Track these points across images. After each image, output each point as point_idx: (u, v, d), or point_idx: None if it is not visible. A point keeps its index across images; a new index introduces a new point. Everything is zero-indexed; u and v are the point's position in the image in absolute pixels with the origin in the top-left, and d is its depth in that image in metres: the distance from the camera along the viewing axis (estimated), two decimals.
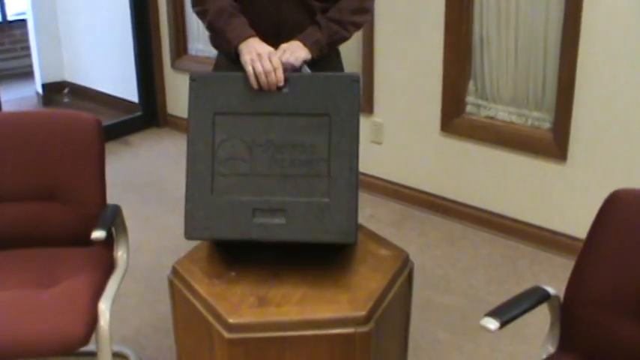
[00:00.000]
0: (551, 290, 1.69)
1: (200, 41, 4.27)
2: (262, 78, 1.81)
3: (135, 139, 4.37)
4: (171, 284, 1.90)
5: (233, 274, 1.83)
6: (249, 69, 1.82)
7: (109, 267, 2.07)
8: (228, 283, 1.79)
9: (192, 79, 1.86)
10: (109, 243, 2.09)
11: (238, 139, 1.83)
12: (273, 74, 1.81)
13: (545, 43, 2.92)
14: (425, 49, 3.25)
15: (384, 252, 1.95)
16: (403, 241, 3.17)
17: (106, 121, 4.38)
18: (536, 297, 1.64)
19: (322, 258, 1.89)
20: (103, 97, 4.89)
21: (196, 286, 1.79)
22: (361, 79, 1.90)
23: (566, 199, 3.00)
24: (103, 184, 2.09)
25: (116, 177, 3.83)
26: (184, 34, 4.36)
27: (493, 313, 1.55)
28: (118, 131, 4.33)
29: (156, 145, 4.28)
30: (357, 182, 1.79)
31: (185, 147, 1.82)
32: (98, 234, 1.89)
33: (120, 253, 2.10)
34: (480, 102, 3.21)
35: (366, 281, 1.81)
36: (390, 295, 1.82)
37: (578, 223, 2.99)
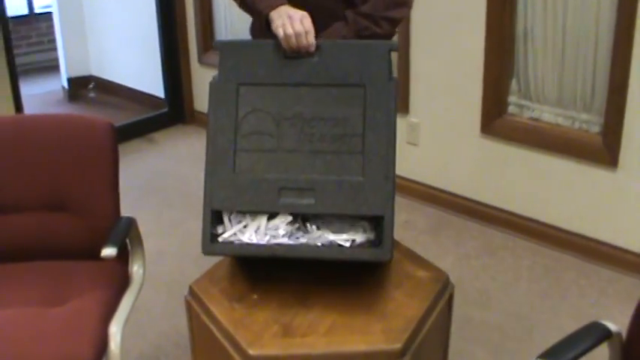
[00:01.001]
0: (612, 327, 1.49)
1: (228, 34, 4.11)
2: (292, 40, 1.65)
3: (160, 136, 4.22)
4: (188, 306, 1.74)
5: (255, 297, 1.67)
6: (279, 32, 1.66)
7: (123, 283, 1.91)
8: (250, 308, 1.63)
9: (216, 46, 1.73)
10: (123, 256, 1.94)
11: (264, 112, 1.67)
12: (304, 37, 1.65)
13: (595, 38, 2.70)
14: (464, 45, 3.04)
15: (421, 273, 1.77)
16: (440, 250, 3.01)
17: (131, 117, 4.26)
18: (595, 335, 1.44)
19: (353, 280, 1.72)
20: (128, 92, 4.76)
21: (215, 311, 1.63)
22: (396, 76, 1.71)
23: (616, 208, 2.79)
24: (117, 194, 1.93)
25: (139, 177, 3.69)
26: (211, 27, 4.20)
27: (547, 355, 1.36)
28: (143, 128, 4.19)
29: (181, 144, 4.13)
30: (394, 160, 1.62)
31: None
32: (109, 251, 1.73)
33: (135, 268, 1.95)
34: (524, 102, 3.00)
35: (402, 308, 1.63)
36: (429, 324, 1.64)
37: (628, 234, 2.78)
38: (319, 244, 1.63)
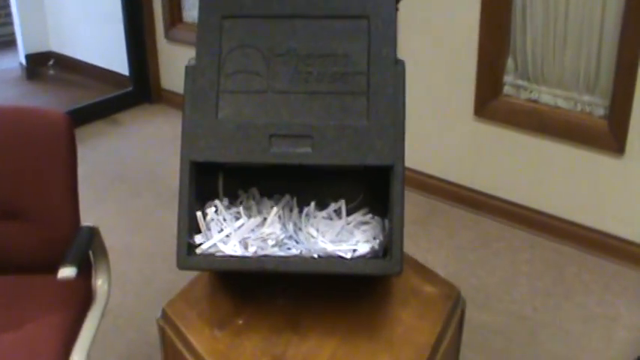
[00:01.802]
0: None
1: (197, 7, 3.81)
2: None
3: (125, 117, 3.93)
4: (161, 332, 1.50)
5: (240, 322, 1.43)
6: None
7: (86, 301, 1.67)
8: (235, 337, 1.39)
9: None
10: (85, 270, 1.68)
11: (252, 48, 1.44)
12: None
13: (602, 13, 2.48)
14: (457, 19, 2.80)
15: (429, 289, 1.55)
16: (431, 243, 2.79)
17: (94, 97, 3.96)
18: None
19: (351, 296, 1.49)
20: (90, 69, 4.44)
21: (193, 340, 1.39)
22: None
23: (621, 198, 2.59)
24: (75, 199, 1.67)
25: (102, 163, 3.41)
26: (179, 0, 3.91)
27: None
28: (106, 108, 3.90)
29: (148, 125, 3.84)
30: (404, 102, 1.41)
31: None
32: (67, 272, 1.48)
33: (99, 283, 1.70)
34: (521, 82, 2.78)
35: (412, 333, 1.41)
36: (441, 352, 1.42)
37: (634, 225, 2.59)
38: (315, 255, 1.40)
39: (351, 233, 1.47)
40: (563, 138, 2.67)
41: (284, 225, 1.45)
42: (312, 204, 1.54)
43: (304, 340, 1.38)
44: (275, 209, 1.47)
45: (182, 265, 1.36)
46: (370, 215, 1.53)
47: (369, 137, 1.38)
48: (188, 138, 1.41)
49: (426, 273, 1.60)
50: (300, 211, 1.53)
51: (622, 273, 2.59)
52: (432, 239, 2.79)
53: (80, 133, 3.94)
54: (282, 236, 1.42)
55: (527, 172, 2.81)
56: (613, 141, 2.54)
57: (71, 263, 1.48)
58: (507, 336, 2.28)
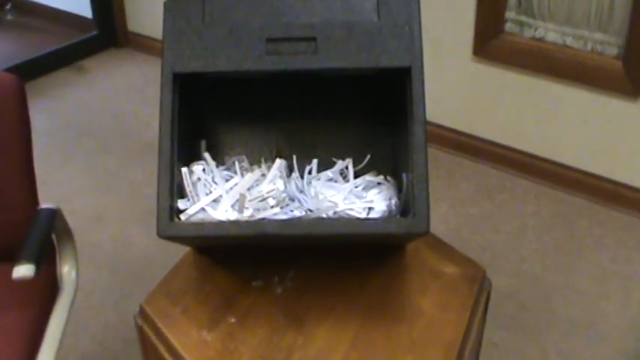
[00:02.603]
0: None
1: None
2: None
3: (90, 63, 3.62)
4: (140, 333, 1.28)
5: (233, 320, 1.22)
6: None
7: (51, 292, 1.44)
8: (228, 340, 1.18)
9: None
10: (49, 257, 1.45)
11: None
12: None
13: None
14: None
15: (451, 270, 1.34)
16: (430, 196, 2.57)
17: (56, 43, 3.64)
18: None
19: (360, 280, 1.28)
20: (51, 12, 4.09)
21: (178, 346, 1.18)
22: None
23: (635, 144, 2.39)
24: (31, 176, 1.42)
25: (67, 116, 3.13)
26: None
27: None
28: (70, 55, 3.58)
29: (116, 72, 3.54)
30: None
31: (154, 71, 1.20)
32: (23, 271, 1.24)
33: (65, 270, 1.47)
34: (524, 19, 2.52)
35: (435, 328, 1.20)
36: (468, 349, 1.22)
37: None
38: (323, 215, 1.19)
39: (359, 196, 1.26)
40: (571, 80, 2.44)
41: (285, 184, 1.23)
42: (315, 162, 1.32)
43: (310, 340, 1.18)
44: (278, 162, 1.24)
45: (163, 233, 1.13)
46: (382, 176, 1.32)
47: (381, 36, 1.19)
48: (170, 46, 1.18)
49: (444, 250, 1.39)
50: (301, 174, 1.32)
51: (636, 225, 2.41)
52: (430, 192, 2.57)
53: (42, 83, 3.66)
54: (284, 195, 1.19)
55: (531, 117, 2.59)
56: (627, 83, 2.32)
57: (28, 259, 1.24)
58: (518, 300, 2.10)
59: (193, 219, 1.17)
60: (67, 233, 1.47)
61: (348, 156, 1.34)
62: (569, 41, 2.45)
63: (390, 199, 1.24)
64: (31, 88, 3.18)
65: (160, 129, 1.17)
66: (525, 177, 2.64)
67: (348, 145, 1.35)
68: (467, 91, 2.71)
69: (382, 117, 1.37)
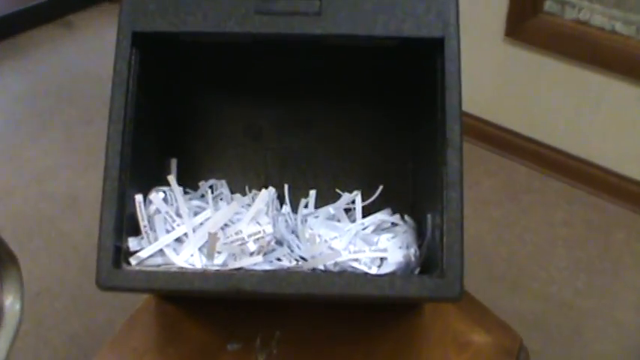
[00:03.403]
0: None
1: None
2: None
3: (80, 19, 3.30)
4: None
5: None
6: None
7: None
8: None
9: None
10: None
11: None
12: None
13: None
14: None
15: (480, 339, 1.05)
16: None
17: None
18: None
19: (372, 353, 1.00)
20: None
21: None
22: None
23: None
24: None
25: (50, 78, 2.82)
26: None
27: None
28: (58, 8, 3.26)
29: (107, 30, 3.21)
30: None
31: None
32: None
33: (9, 302, 1.18)
34: None
35: None
36: None
37: None
38: (321, 267, 0.90)
39: (368, 241, 0.97)
40: (617, 72, 2.13)
41: (274, 223, 0.95)
42: (313, 193, 1.04)
43: None
44: (265, 192, 0.95)
45: (105, 283, 0.85)
46: (397, 215, 1.03)
47: None
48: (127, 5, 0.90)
49: (473, 309, 1.10)
50: (294, 209, 1.04)
51: None
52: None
53: (23, 40, 3.32)
54: (268, 238, 0.90)
55: (568, 110, 2.28)
56: None
57: None
58: (546, 331, 1.82)
59: (148, 263, 0.89)
60: (9, 257, 1.19)
61: (356, 187, 1.05)
62: (618, 27, 2.12)
63: (407, 247, 0.95)
64: (8, 46, 2.87)
65: (109, 130, 0.88)
66: (557, 177, 2.34)
67: (355, 173, 1.07)
68: (496, 76, 2.39)
69: (400, 133, 1.07)
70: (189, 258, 0.89)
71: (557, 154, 2.35)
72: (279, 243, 0.93)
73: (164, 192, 0.95)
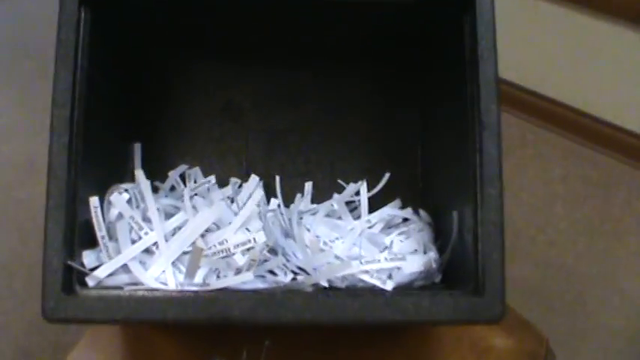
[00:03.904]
0: None
1: None
2: None
3: None
4: None
5: None
6: None
7: None
8: None
9: None
10: None
11: None
12: None
13: None
14: None
15: (503, 342, 0.92)
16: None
17: None
18: None
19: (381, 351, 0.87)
20: None
21: None
22: None
23: None
24: None
25: (7, 24, 2.59)
26: None
27: None
28: None
29: None
30: None
31: None
32: None
33: None
34: None
35: None
36: None
37: None
38: (324, 283, 0.74)
39: (376, 242, 0.82)
40: (619, 18, 1.97)
41: (268, 230, 0.79)
42: (308, 186, 0.88)
43: None
44: (259, 192, 0.78)
45: (52, 314, 0.69)
46: (409, 209, 0.88)
47: None
48: None
49: None
50: (286, 202, 0.88)
51: None
52: None
53: None
54: (259, 248, 0.74)
55: (563, 57, 2.12)
56: None
57: None
58: (547, 301, 1.71)
59: (109, 283, 0.73)
60: None
61: (355, 174, 0.89)
62: None
63: (425, 250, 0.80)
64: None
65: (52, 117, 0.71)
66: (551, 129, 2.20)
67: (354, 157, 0.91)
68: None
69: (408, 109, 0.91)
70: (160, 275, 0.73)
71: (551, 104, 2.19)
72: (272, 250, 0.77)
73: (127, 191, 0.78)
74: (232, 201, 0.87)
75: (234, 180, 0.90)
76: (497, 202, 0.70)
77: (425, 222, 0.84)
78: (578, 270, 1.79)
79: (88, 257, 0.73)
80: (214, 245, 0.73)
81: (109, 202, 0.75)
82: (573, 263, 1.81)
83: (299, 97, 0.91)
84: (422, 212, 0.86)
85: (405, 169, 0.90)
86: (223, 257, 0.72)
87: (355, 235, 0.82)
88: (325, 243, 0.81)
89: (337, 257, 0.75)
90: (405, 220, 0.85)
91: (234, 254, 0.72)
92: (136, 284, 0.72)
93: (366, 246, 0.81)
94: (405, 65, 0.91)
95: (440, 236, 0.82)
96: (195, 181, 0.90)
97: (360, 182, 0.86)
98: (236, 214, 0.75)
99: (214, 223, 0.76)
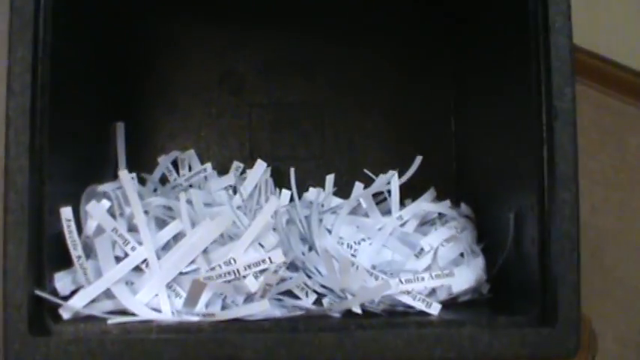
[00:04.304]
0: None
1: None
2: None
3: None
4: None
5: None
6: None
7: None
8: None
9: None
10: None
11: None
12: None
13: None
14: None
15: None
16: None
17: None
18: None
19: None
20: None
21: None
22: None
23: None
24: None
25: None
26: None
27: None
28: None
29: None
30: None
31: None
32: None
33: None
34: None
35: None
36: None
37: None
38: (355, 309, 0.59)
39: (410, 244, 0.68)
40: None
41: (287, 239, 0.64)
42: (330, 179, 0.73)
43: None
44: (274, 202, 0.62)
45: (17, 357, 0.55)
46: (447, 202, 0.73)
47: None
48: None
49: None
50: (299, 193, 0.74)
51: None
52: None
53: None
54: (275, 269, 0.59)
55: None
56: None
57: None
58: None
59: (88, 313, 0.58)
60: None
61: (379, 157, 0.75)
62: None
63: (471, 253, 0.66)
64: None
65: (7, 108, 0.56)
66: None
67: (377, 137, 0.77)
68: None
69: (440, 79, 0.77)
70: (151, 299, 0.59)
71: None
72: (291, 264, 0.63)
73: (107, 195, 0.63)
74: (234, 191, 0.73)
75: (236, 164, 0.76)
76: (572, 210, 0.57)
77: (465, 214, 0.71)
78: (593, 223, 1.68)
79: (61, 281, 0.58)
80: (219, 266, 0.59)
81: (86, 213, 0.61)
82: (589, 216, 1.69)
83: (312, 65, 0.76)
84: (463, 206, 0.72)
85: (436, 150, 0.76)
86: (230, 280, 0.58)
87: (385, 236, 0.68)
88: (350, 246, 0.67)
89: (371, 273, 0.61)
90: (441, 216, 0.71)
91: (244, 277, 0.58)
92: (122, 312, 0.58)
93: (399, 248, 0.68)
94: (439, 28, 0.76)
95: (484, 236, 0.69)
96: (190, 168, 0.75)
97: (390, 172, 0.72)
98: (244, 226, 0.61)
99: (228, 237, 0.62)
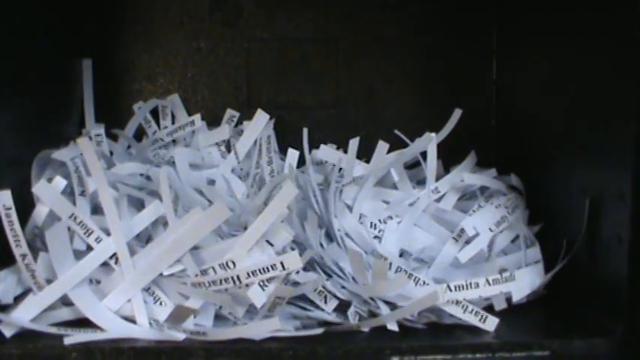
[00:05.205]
0: None
1: None
2: None
3: None
4: None
5: None
6: None
7: None
8: None
9: None
10: None
11: None
12: None
13: None
14: None
15: None
16: None
17: None
18: None
19: None
20: None
21: None
22: None
23: None
24: None
25: None
26: None
27: None
28: None
29: None
30: None
31: None
32: None
33: None
34: None
35: None
36: None
37: None
38: (393, 326, 0.46)
39: (448, 223, 0.56)
40: None
41: (301, 225, 0.51)
42: (354, 144, 0.58)
43: None
44: (291, 189, 0.45)
45: None
46: (492, 171, 0.60)
47: None
48: None
49: None
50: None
51: None
52: None
53: None
54: (288, 274, 0.45)
55: None
56: None
57: None
58: None
59: (38, 327, 0.44)
60: None
61: (410, 109, 0.60)
62: None
63: (525, 240, 0.53)
64: None
65: None
66: None
67: (403, 88, 0.62)
68: None
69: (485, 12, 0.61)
70: (123, 305, 0.45)
71: None
72: (312, 261, 0.49)
73: (65, 167, 0.48)
74: (228, 149, 0.58)
75: (230, 113, 0.61)
76: None
77: (513, 191, 0.57)
78: None
79: (1, 283, 0.44)
80: (213, 269, 0.45)
81: (35, 196, 0.46)
82: None
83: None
84: (514, 177, 0.58)
85: (473, 102, 0.61)
86: (230, 289, 0.44)
87: (417, 213, 0.54)
88: (374, 225, 0.53)
89: (410, 275, 0.47)
90: (485, 188, 0.57)
91: (247, 285, 0.44)
92: (85, 326, 0.44)
93: (434, 228, 0.54)
94: None
95: (532, 216, 0.56)
96: (173, 119, 0.60)
97: (427, 135, 0.56)
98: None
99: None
